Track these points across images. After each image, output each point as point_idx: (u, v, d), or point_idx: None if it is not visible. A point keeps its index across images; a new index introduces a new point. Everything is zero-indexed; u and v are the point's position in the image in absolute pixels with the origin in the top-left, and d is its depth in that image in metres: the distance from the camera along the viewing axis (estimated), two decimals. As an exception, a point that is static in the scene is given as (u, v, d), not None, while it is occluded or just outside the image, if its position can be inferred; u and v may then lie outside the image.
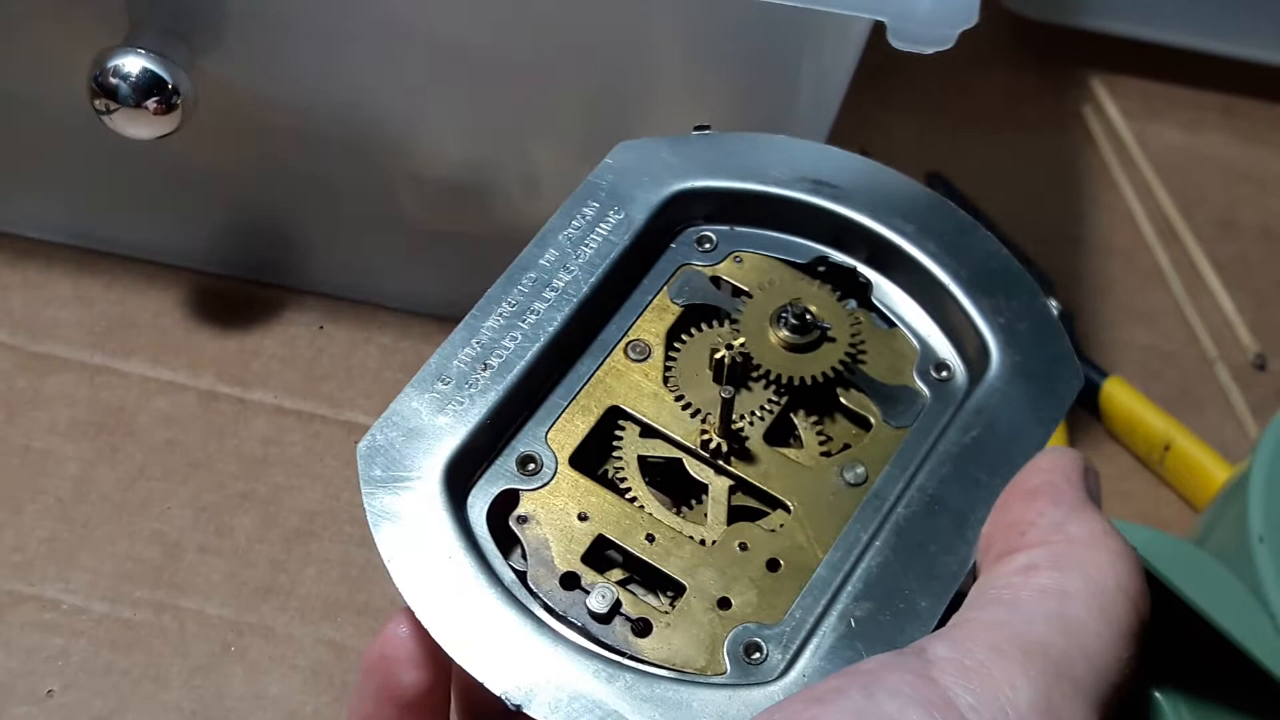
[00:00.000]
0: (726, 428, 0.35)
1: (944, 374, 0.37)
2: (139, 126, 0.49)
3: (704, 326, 0.37)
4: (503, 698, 0.30)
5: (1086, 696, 0.28)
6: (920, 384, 0.36)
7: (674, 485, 0.35)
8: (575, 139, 0.52)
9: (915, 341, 0.37)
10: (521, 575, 0.33)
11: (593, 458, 0.35)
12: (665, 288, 0.37)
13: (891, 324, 0.38)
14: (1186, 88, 0.73)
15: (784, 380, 0.36)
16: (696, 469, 0.35)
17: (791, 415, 0.36)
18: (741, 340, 0.35)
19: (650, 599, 0.33)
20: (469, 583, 0.31)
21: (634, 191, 0.38)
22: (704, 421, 0.35)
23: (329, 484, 0.56)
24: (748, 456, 0.35)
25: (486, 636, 0.31)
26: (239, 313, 0.60)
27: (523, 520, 0.34)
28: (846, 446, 0.36)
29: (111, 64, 0.48)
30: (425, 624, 0.31)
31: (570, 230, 0.37)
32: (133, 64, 0.48)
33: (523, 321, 0.35)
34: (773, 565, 0.33)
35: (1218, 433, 0.60)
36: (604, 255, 0.36)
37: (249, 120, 0.53)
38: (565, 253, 0.36)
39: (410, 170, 0.54)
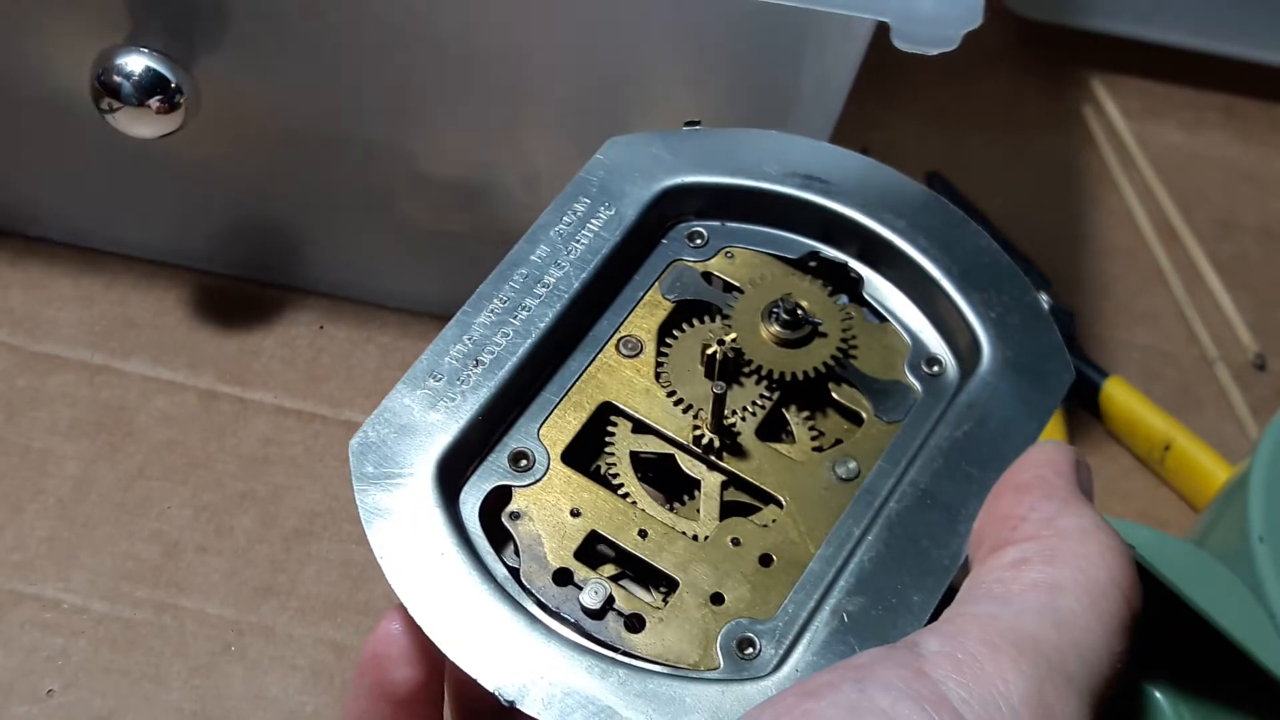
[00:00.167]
0: (718, 423, 0.35)
1: (935, 369, 0.36)
2: (142, 125, 0.49)
3: (695, 322, 0.37)
4: (496, 694, 0.30)
5: (1079, 689, 0.28)
6: (912, 379, 0.36)
7: (666, 481, 0.35)
8: (575, 139, 0.52)
9: (907, 336, 0.37)
10: (514, 571, 0.33)
11: (585, 454, 0.35)
12: (657, 283, 0.37)
13: (883, 319, 0.37)
14: (1187, 88, 0.73)
15: (776, 375, 0.36)
16: (689, 464, 0.35)
17: (783, 410, 0.36)
18: (733, 336, 0.35)
19: (643, 594, 0.33)
20: (462, 579, 0.31)
21: (625, 187, 0.38)
22: (696, 417, 0.35)
23: (329, 484, 0.56)
24: (740, 452, 0.35)
25: (479, 632, 0.31)
26: (239, 313, 0.60)
27: (515, 516, 0.34)
28: (838, 441, 0.36)
29: (114, 63, 0.48)
30: (418, 620, 0.31)
31: (561, 226, 0.37)
32: (136, 63, 0.48)
33: (514, 318, 0.35)
34: (765, 560, 0.33)
35: (1218, 433, 0.60)
36: (595, 251, 0.36)
37: (250, 119, 0.53)
38: (556, 249, 0.36)
39: (410, 170, 0.55)
